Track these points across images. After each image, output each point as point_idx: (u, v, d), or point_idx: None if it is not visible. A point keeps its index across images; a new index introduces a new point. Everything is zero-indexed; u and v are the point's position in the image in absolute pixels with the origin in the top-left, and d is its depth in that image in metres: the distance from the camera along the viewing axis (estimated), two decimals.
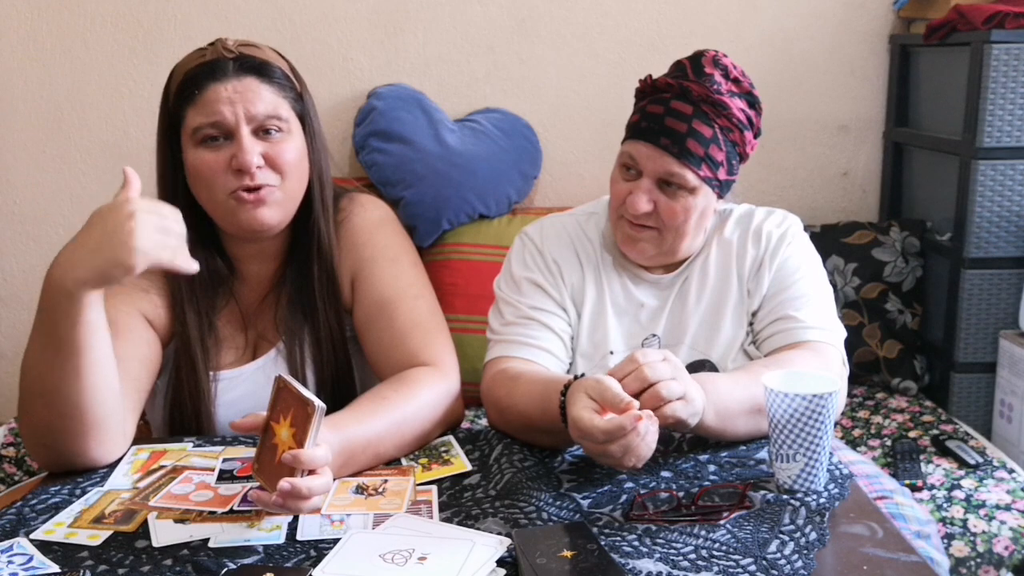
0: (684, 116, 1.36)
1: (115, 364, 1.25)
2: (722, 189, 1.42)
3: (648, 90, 1.41)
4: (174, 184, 1.40)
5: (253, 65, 1.36)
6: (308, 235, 1.44)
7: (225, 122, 1.33)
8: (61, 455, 1.26)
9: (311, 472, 1.07)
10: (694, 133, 1.35)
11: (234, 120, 1.33)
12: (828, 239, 2.43)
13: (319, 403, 1.05)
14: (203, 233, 1.41)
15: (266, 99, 1.35)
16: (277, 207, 1.37)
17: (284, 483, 1.04)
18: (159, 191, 1.41)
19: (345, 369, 1.48)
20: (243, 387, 1.44)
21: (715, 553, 1.03)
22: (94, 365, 1.20)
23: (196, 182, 1.37)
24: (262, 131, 1.35)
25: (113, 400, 1.25)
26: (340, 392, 1.47)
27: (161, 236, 1.15)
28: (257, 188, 1.34)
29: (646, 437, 1.08)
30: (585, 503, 1.15)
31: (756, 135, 1.43)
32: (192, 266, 1.20)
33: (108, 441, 1.26)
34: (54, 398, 1.21)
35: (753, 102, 1.41)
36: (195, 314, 1.41)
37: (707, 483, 1.20)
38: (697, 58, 1.39)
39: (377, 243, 1.48)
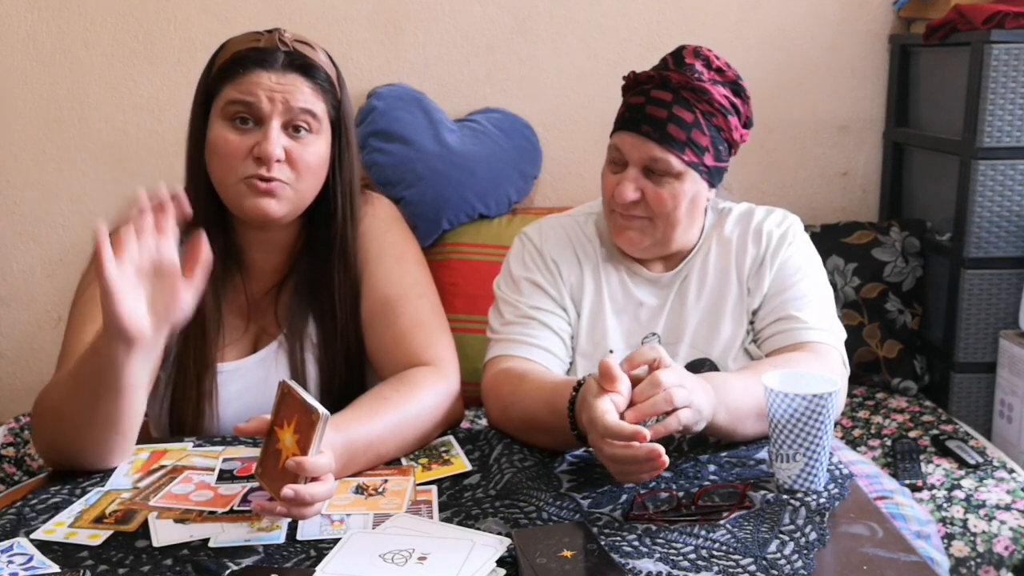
0: (664, 103, 1.37)
1: (143, 407, 1.25)
2: (712, 176, 1.42)
3: (632, 84, 1.43)
4: (200, 162, 1.39)
5: (302, 63, 1.37)
6: (329, 238, 1.43)
7: (259, 107, 1.33)
8: (68, 462, 1.27)
9: (314, 479, 1.07)
10: (674, 118, 1.36)
11: (268, 109, 1.34)
12: (828, 239, 2.42)
13: (324, 411, 1.05)
14: (216, 215, 1.40)
15: (305, 95, 1.36)
16: (286, 202, 1.37)
17: (288, 490, 1.04)
18: (187, 167, 1.41)
19: (356, 367, 1.47)
20: (244, 380, 1.44)
21: (715, 553, 1.03)
22: (123, 414, 1.21)
23: (213, 159, 1.37)
24: (292, 127, 1.36)
25: (132, 429, 1.25)
26: (348, 391, 1.45)
27: (138, 297, 1.12)
28: (270, 179, 1.34)
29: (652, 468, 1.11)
30: (585, 503, 1.15)
31: (746, 125, 1.43)
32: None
33: (118, 455, 1.27)
34: (72, 427, 1.22)
35: (738, 90, 1.42)
36: (212, 292, 1.40)
37: (707, 483, 1.20)
38: (679, 51, 1.41)
39: (384, 241, 1.48)
